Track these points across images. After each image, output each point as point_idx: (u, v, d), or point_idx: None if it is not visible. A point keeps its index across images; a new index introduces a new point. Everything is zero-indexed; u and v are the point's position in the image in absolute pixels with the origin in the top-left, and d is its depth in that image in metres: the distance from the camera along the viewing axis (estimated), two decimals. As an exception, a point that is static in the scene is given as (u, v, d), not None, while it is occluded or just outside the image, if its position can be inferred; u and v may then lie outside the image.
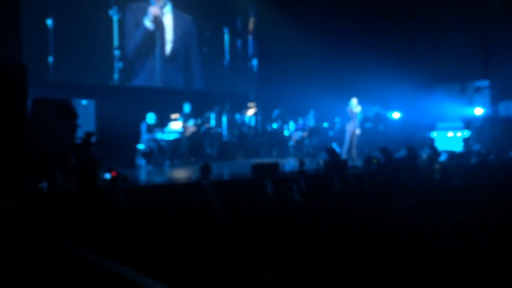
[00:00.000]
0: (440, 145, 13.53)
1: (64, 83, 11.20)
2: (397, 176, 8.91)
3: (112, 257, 3.01)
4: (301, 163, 8.34)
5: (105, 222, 4.60)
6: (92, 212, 4.99)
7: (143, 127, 10.67)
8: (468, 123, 14.18)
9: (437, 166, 10.31)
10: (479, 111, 14.57)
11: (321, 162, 9.77)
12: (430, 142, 13.70)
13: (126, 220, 4.77)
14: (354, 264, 3.43)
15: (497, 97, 14.43)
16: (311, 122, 13.87)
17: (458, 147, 13.62)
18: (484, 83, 15.15)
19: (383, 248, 3.51)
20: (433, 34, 15.50)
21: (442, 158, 11.69)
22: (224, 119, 12.64)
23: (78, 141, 7.74)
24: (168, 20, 13.29)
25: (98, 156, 8.13)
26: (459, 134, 14.13)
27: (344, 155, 11.58)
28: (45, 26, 10.97)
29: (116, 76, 12.23)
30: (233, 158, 12.58)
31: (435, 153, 11.89)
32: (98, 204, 5.27)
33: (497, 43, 14.47)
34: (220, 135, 12.54)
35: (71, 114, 7.84)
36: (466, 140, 13.86)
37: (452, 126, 14.40)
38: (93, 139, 8.06)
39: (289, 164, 11.12)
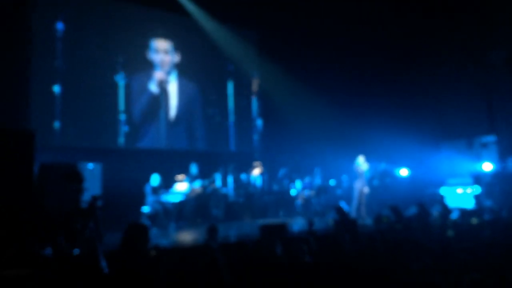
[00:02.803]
0: (451, 202, 13.28)
1: (70, 147, 11.25)
2: (410, 234, 8.67)
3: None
4: (310, 223, 8.16)
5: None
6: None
7: (148, 189, 10.57)
8: (477, 179, 13.96)
9: (449, 223, 10.06)
10: (488, 166, 14.39)
11: (330, 221, 9.58)
12: (440, 199, 13.44)
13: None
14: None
15: (505, 152, 14.30)
16: (317, 180, 13.75)
17: (469, 204, 13.35)
18: (491, 138, 15.09)
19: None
20: (438, 91, 15.65)
21: (454, 215, 11.43)
22: (230, 179, 12.55)
23: (84, 204, 7.64)
24: (173, 87, 13.51)
25: (102, 219, 7.99)
26: (469, 190, 13.90)
27: (353, 214, 11.38)
28: (52, 92, 11.15)
29: (121, 140, 12.29)
30: (240, 218, 12.38)
31: (446, 210, 11.63)
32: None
33: (501, 97, 14.54)
34: (226, 195, 12.40)
35: (78, 179, 7.78)
36: (477, 197, 13.59)
37: (461, 182, 14.19)
38: (99, 202, 7.96)
39: (297, 223, 10.89)
